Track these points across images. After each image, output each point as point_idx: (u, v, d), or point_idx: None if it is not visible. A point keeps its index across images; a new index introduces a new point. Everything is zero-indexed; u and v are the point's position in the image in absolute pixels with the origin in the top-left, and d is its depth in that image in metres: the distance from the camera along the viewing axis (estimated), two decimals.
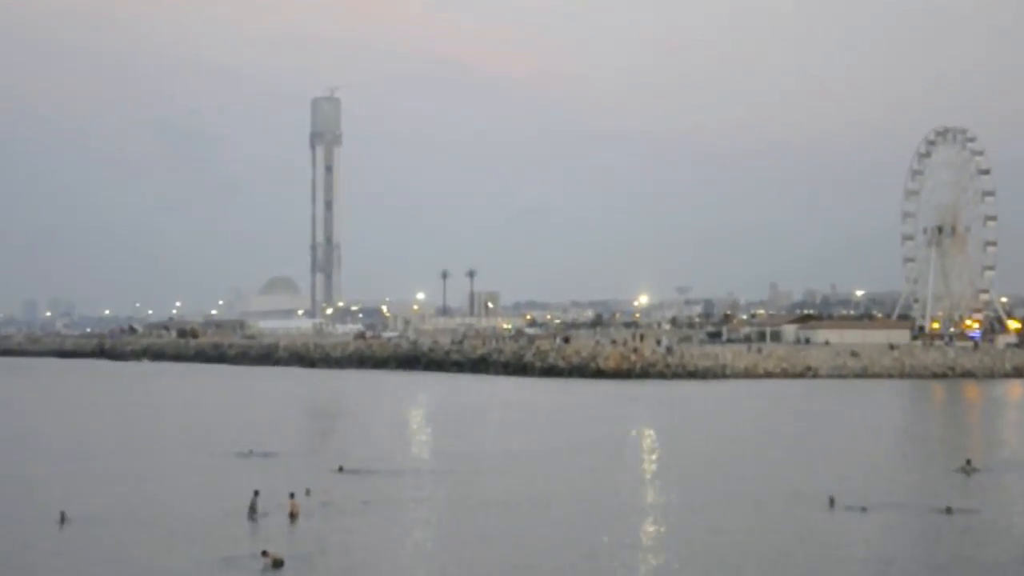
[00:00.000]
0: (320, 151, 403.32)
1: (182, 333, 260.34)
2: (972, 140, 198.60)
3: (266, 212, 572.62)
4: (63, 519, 41.11)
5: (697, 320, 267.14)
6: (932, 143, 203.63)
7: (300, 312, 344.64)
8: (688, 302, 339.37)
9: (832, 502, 45.26)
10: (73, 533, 39.83)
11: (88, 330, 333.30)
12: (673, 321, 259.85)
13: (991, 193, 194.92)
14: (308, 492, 46.79)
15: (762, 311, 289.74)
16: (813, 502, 45.86)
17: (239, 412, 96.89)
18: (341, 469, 56.46)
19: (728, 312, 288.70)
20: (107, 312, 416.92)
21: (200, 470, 58.09)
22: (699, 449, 69.29)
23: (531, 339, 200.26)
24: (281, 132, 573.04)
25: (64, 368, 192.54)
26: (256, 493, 44.13)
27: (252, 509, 43.49)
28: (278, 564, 33.57)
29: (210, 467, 59.17)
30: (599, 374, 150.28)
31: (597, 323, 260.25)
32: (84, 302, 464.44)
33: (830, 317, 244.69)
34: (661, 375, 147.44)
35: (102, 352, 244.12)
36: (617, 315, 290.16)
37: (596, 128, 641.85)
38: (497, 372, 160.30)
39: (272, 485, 47.44)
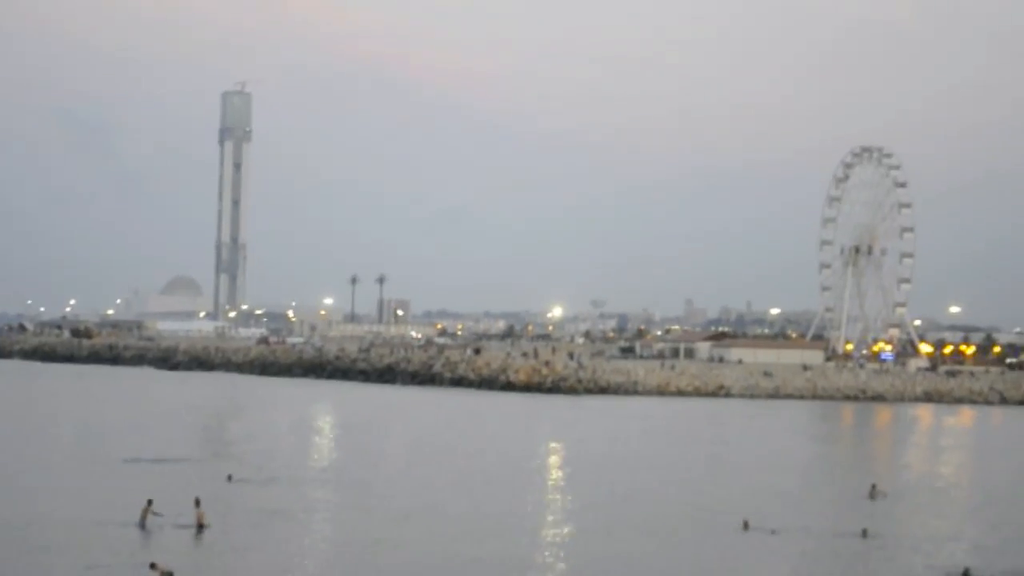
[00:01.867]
0: (229, 147, 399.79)
1: (75, 333, 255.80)
2: (889, 156, 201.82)
3: (169, 208, 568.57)
4: None
5: (611, 334, 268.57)
6: (849, 166, 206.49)
7: (202, 314, 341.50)
8: (602, 316, 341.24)
9: (746, 525, 45.76)
10: None
11: None
12: (587, 335, 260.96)
13: (908, 205, 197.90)
14: (198, 502, 46.35)
15: (677, 327, 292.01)
16: (727, 525, 46.10)
17: (131, 417, 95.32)
18: (230, 478, 56.17)
19: (642, 327, 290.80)
20: None
21: (87, 476, 57.23)
22: (607, 467, 69.43)
23: (441, 349, 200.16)
24: (189, 125, 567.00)
25: None
26: (149, 502, 43.69)
27: (143, 518, 43.07)
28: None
29: (98, 473, 58.34)
30: (509, 387, 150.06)
31: (509, 334, 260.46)
32: None
33: (744, 335, 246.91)
34: (572, 390, 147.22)
35: None
36: (530, 327, 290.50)
37: (516, 134, 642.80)
38: (405, 382, 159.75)
39: (163, 493, 46.89)
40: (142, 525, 42.46)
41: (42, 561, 36.16)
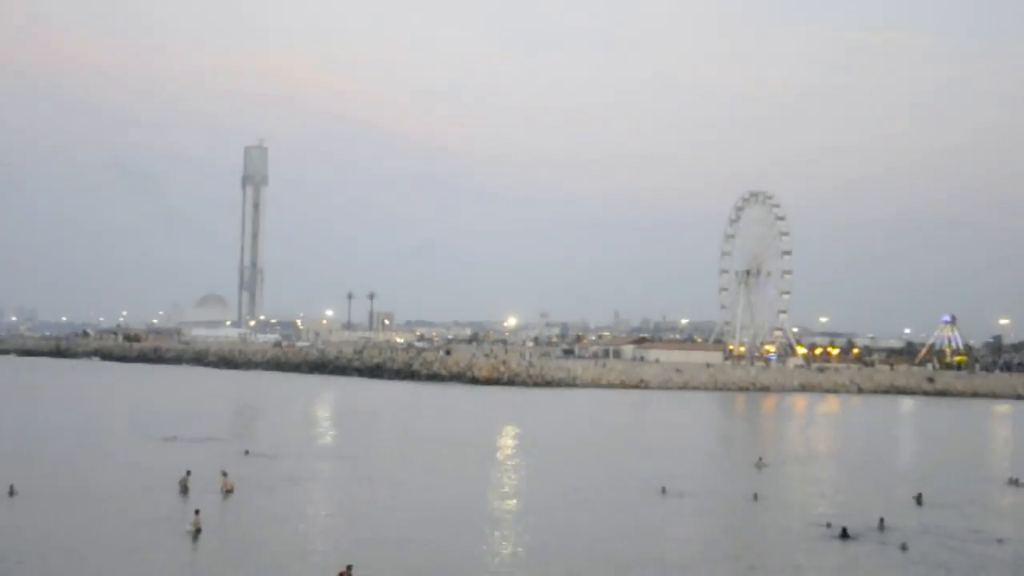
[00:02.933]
0: (249, 190, 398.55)
1: (127, 338, 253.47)
2: (771, 198, 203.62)
3: (202, 239, 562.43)
4: (12, 492, 39.82)
5: (555, 339, 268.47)
6: (740, 208, 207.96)
7: (228, 323, 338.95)
8: (548, 324, 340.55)
9: (664, 491, 45.70)
10: (20, 504, 38.56)
11: (47, 333, 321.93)
12: (535, 340, 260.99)
13: (786, 234, 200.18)
14: (225, 475, 45.92)
15: (607, 333, 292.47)
16: (649, 491, 46.07)
17: (170, 405, 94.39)
18: (247, 453, 55.74)
19: (580, 334, 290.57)
20: (64, 318, 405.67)
21: (136, 452, 56.54)
22: (551, 445, 69.33)
23: (419, 351, 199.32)
24: (218, 173, 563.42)
25: (25, 365, 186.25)
26: (188, 473, 43.57)
27: (184, 485, 42.68)
28: (198, 532, 32.95)
29: (144, 449, 57.68)
30: (474, 381, 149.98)
31: (474, 339, 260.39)
32: (45, 310, 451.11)
33: (660, 340, 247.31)
34: (524, 383, 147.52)
35: (58, 352, 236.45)
36: (490, 333, 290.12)
37: (473, 184, 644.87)
38: (391, 377, 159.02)
39: (196, 465, 46.50)
40: (183, 490, 42.17)
41: (101, 519, 35.77)
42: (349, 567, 25.01)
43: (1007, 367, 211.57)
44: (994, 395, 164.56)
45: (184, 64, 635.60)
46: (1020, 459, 67.83)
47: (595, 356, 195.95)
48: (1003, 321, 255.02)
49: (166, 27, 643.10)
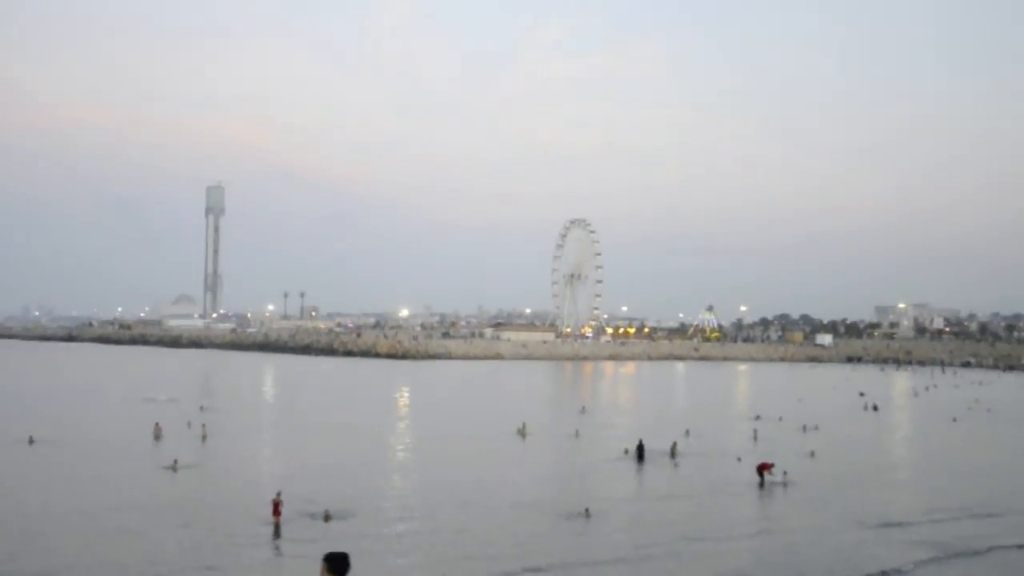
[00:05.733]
0: (211, 218, 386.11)
1: (122, 327, 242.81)
2: (588, 224, 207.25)
3: (177, 255, 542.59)
4: (31, 441, 38.04)
5: (435, 325, 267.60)
6: (564, 234, 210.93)
7: (196, 316, 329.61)
8: (431, 314, 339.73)
9: (520, 432, 45.92)
10: (39, 450, 36.79)
11: (61, 324, 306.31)
12: (422, 325, 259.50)
13: (599, 254, 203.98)
14: (190, 424, 44.62)
15: (474, 320, 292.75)
16: (507, 433, 46.22)
17: (151, 374, 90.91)
18: (202, 408, 54.17)
19: (453, 320, 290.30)
20: (74, 312, 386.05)
21: (120, 409, 54.30)
22: (433, 399, 69.36)
23: (337, 334, 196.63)
24: (188, 206, 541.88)
25: (45, 347, 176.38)
26: (157, 424, 42.54)
27: (156, 432, 41.36)
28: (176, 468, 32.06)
29: (127, 407, 55.31)
30: (377, 355, 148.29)
31: (377, 325, 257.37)
32: (61, 306, 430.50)
33: (511, 324, 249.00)
34: (414, 357, 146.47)
35: (69, 338, 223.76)
36: (390, 321, 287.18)
37: (376, 213, 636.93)
38: (316, 354, 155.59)
39: (166, 417, 45.26)
40: (156, 436, 40.85)
41: (87, 466, 34.08)
42: (278, 493, 24.48)
43: (746, 339, 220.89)
44: (738, 358, 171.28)
45: (163, 123, 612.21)
46: (756, 401, 70.53)
47: (465, 337, 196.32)
48: (743, 308, 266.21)
49: (151, 96, 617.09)
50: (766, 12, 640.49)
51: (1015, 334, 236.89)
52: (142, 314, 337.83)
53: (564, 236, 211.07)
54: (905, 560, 21.39)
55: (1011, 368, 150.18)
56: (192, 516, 24.61)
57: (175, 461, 32.85)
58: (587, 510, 26.06)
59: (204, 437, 41.02)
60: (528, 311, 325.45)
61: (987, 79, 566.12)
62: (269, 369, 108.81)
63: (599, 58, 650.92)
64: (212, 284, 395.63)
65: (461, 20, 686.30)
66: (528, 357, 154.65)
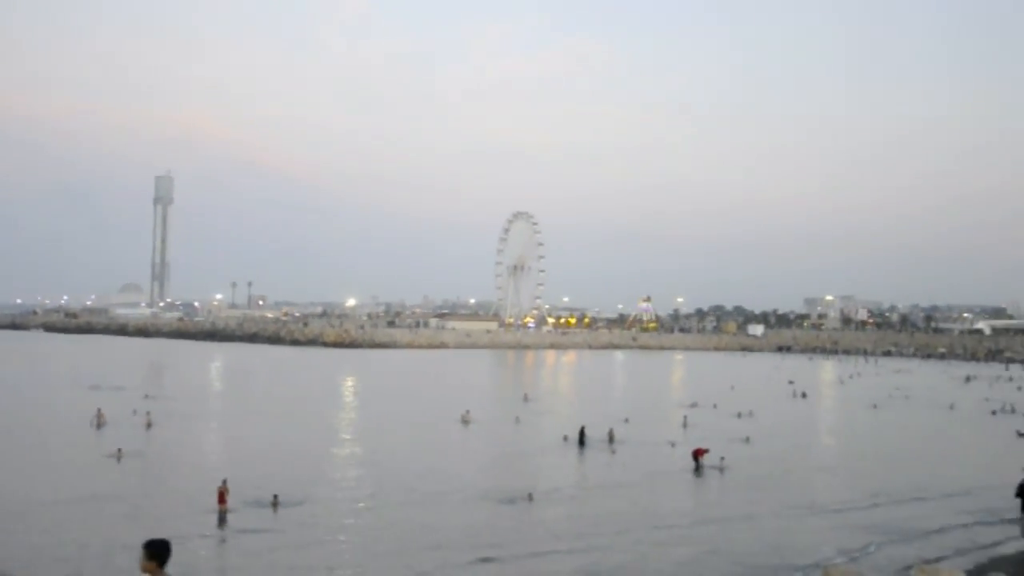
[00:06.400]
0: (160, 208, 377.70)
1: (67, 315, 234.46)
2: (531, 217, 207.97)
3: (126, 243, 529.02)
4: None
5: (382, 314, 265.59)
6: (508, 227, 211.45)
7: (143, 304, 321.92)
8: (377, 303, 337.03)
9: (463, 419, 45.86)
10: None
11: (4, 312, 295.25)
12: (368, 315, 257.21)
13: (542, 244, 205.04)
14: (135, 412, 43.47)
15: (419, 310, 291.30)
16: (450, 420, 46.15)
17: (97, 362, 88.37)
18: (147, 396, 52.94)
19: (399, 310, 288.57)
20: (19, 300, 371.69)
21: (66, 396, 52.57)
22: (379, 387, 68.86)
23: (284, 323, 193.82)
24: (137, 195, 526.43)
25: None
26: (99, 409, 41.44)
27: (98, 419, 40.19)
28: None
29: (73, 395, 53.56)
30: (324, 344, 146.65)
31: (324, 314, 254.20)
32: (5, 293, 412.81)
33: (456, 314, 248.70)
34: (360, 345, 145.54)
35: (13, 326, 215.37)
36: (337, 310, 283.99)
37: (323, 203, 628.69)
38: (264, 343, 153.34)
39: (112, 405, 44.04)
40: (96, 426, 39.68)
41: (27, 455, 32.85)
42: (224, 481, 23.98)
43: (682, 329, 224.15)
44: (674, 348, 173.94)
45: (112, 113, 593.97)
46: (692, 390, 71.66)
47: (410, 326, 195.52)
48: (679, 299, 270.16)
49: (100, 86, 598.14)
50: (709, 17, 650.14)
51: (932, 324, 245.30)
52: (88, 302, 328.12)
53: (508, 229, 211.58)
54: (859, 543, 21.45)
55: (928, 356, 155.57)
56: (135, 506, 23.96)
57: (119, 450, 31.96)
58: (530, 495, 26.15)
59: (149, 425, 40.00)
60: (472, 301, 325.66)
61: (883, 77, 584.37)
62: (216, 358, 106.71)
63: (548, 57, 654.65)
64: (160, 273, 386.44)
65: (414, 18, 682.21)
66: (472, 346, 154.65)
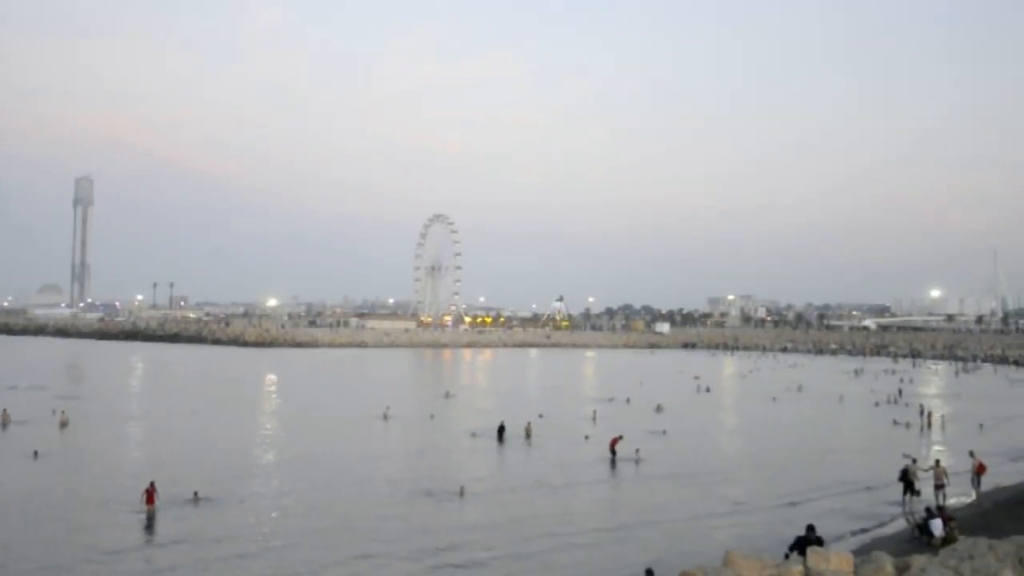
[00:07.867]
0: (80, 209, 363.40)
1: None
2: (449, 219, 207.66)
3: (46, 244, 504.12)
4: None
5: (302, 314, 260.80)
6: (425, 230, 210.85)
7: (63, 305, 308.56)
8: (298, 303, 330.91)
9: (385, 415, 45.56)
10: None
11: None
12: (289, 315, 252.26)
13: (458, 242, 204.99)
14: (54, 412, 41.78)
15: (339, 309, 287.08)
16: (373, 416, 45.75)
17: (15, 362, 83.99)
18: (63, 396, 50.98)
19: (319, 310, 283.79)
20: None
21: None
22: (301, 385, 67.71)
23: (206, 323, 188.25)
24: (58, 197, 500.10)
25: None
26: (4, 410, 39.90)
27: (3, 420, 38.45)
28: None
29: None
30: (245, 344, 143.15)
31: (246, 314, 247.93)
32: None
33: (375, 313, 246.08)
34: (281, 345, 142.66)
35: None
36: (258, 310, 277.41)
37: (245, 204, 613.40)
38: (185, 342, 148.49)
39: (33, 406, 42.10)
40: (3, 425, 37.93)
41: None
42: (152, 483, 23.29)
43: (594, 327, 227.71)
44: (586, 345, 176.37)
45: (30, 115, 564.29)
46: (603, 385, 72.64)
47: (331, 325, 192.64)
48: (591, 299, 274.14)
49: (21, 88, 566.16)
50: (620, 23, 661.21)
51: (825, 322, 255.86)
52: (6, 303, 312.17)
53: (426, 231, 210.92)
54: (759, 529, 21.98)
55: (821, 352, 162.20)
56: (52, 507, 23.04)
57: (35, 452, 30.61)
58: (462, 489, 26.22)
59: (64, 424, 38.40)
60: (391, 301, 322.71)
61: (781, 81, 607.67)
62: (137, 357, 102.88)
63: (465, 63, 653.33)
64: (80, 274, 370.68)
65: (336, 22, 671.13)
66: (391, 345, 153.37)
